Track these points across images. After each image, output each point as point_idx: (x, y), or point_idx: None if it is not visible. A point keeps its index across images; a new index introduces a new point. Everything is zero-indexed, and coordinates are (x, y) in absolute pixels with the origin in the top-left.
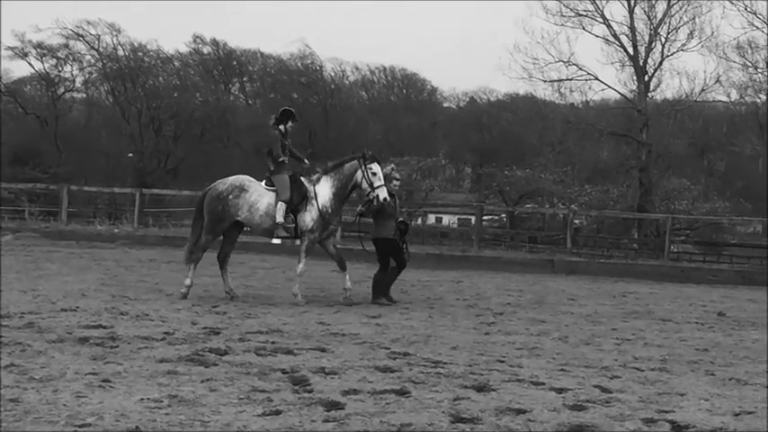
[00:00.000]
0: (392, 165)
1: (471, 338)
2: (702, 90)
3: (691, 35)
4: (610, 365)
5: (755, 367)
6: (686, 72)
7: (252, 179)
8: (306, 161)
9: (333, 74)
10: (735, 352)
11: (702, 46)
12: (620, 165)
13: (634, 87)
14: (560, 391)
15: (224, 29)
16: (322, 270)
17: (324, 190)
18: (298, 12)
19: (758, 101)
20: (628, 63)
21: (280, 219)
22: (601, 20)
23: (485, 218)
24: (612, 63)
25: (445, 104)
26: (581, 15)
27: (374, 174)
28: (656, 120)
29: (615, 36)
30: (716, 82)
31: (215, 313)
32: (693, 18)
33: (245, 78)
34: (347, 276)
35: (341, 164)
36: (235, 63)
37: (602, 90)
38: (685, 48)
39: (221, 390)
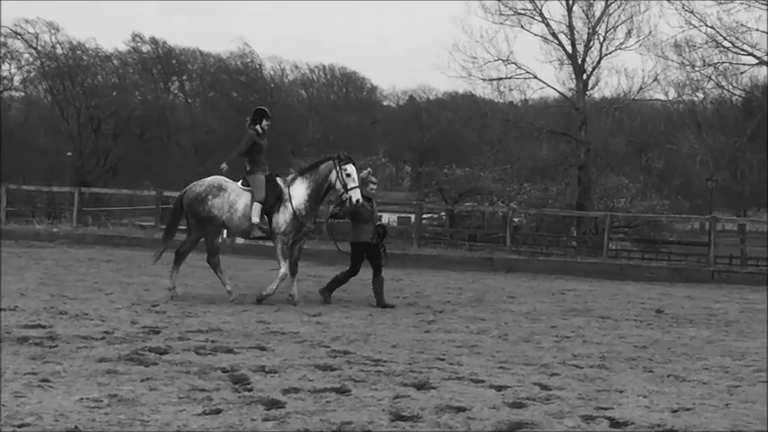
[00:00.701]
0: (368, 169)
1: (411, 336)
2: (640, 88)
3: (629, 34)
4: (549, 363)
5: (693, 364)
6: (624, 70)
7: (228, 179)
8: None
9: (272, 72)
10: (673, 349)
11: (640, 44)
12: (558, 163)
13: (573, 86)
14: (500, 388)
15: (163, 27)
16: (261, 268)
17: (298, 191)
18: (238, 12)
19: (695, 99)
20: (566, 61)
21: (255, 219)
22: (539, 18)
23: (424, 216)
24: (551, 61)
25: (385, 103)
26: (520, 14)
27: (348, 175)
28: (595, 118)
29: (554, 35)
30: (654, 80)
31: (155, 312)
32: (631, 17)
33: (184, 77)
34: (294, 282)
35: (316, 165)
36: (174, 62)
37: (541, 88)
38: (623, 46)
39: (161, 389)
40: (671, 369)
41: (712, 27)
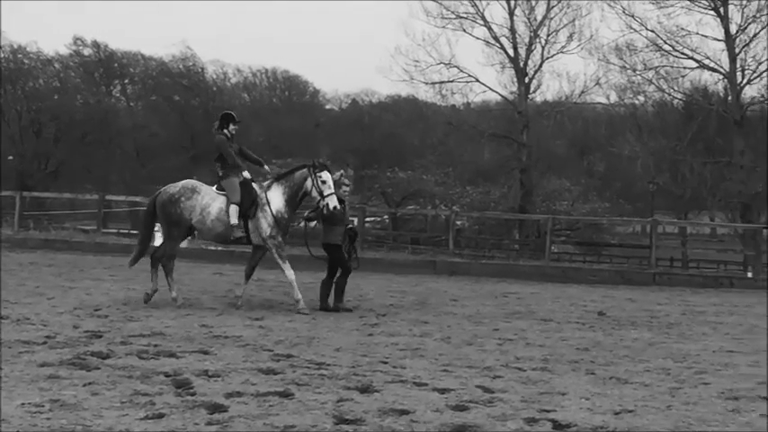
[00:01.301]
0: (341, 171)
1: (354, 340)
2: (582, 92)
3: (570, 37)
4: (492, 365)
5: (635, 366)
6: (566, 74)
7: (202, 183)
8: (265, 166)
9: (215, 76)
10: (615, 351)
11: (582, 48)
12: (501, 166)
13: (515, 89)
14: (443, 391)
15: (105, 31)
16: (203, 272)
17: (276, 196)
18: (181, 14)
19: (637, 102)
20: (508, 65)
21: (234, 220)
22: (481, 22)
23: (367, 219)
24: (493, 65)
25: (327, 106)
26: (462, 18)
27: (324, 182)
28: (537, 121)
29: (496, 38)
30: (595, 84)
31: (97, 317)
32: (573, 20)
33: (126, 80)
34: (245, 287)
35: (291, 171)
36: (116, 65)
37: (483, 92)
38: (565, 50)
39: (103, 393)
40: (613, 371)
41: (653, 31)
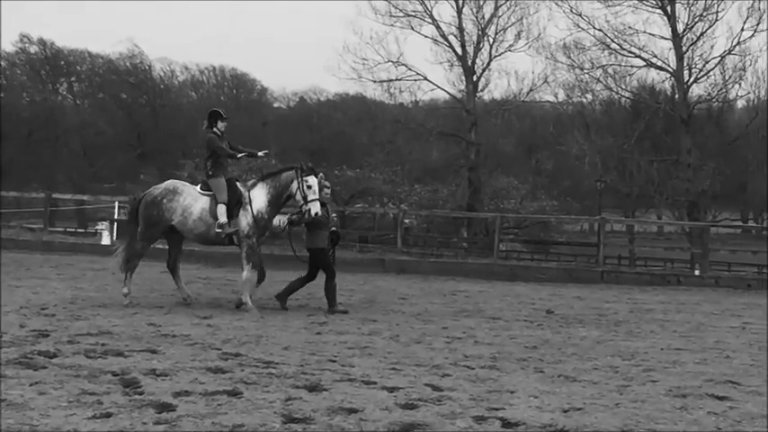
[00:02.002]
0: (320, 173)
1: (303, 338)
2: (530, 90)
3: (518, 36)
4: (441, 364)
5: (583, 364)
6: (515, 72)
7: (186, 183)
8: (259, 153)
9: (162, 74)
10: (563, 349)
11: (530, 47)
12: (449, 164)
13: (463, 87)
14: (392, 390)
15: (51, 28)
16: (151, 270)
17: (259, 196)
18: (127, 11)
19: (584, 101)
20: (456, 63)
21: (222, 219)
22: (430, 20)
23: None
24: (441, 63)
25: (275, 104)
26: (410, 16)
27: (309, 187)
28: (485, 119)
29: (444, 36)
30: (543, 82)
31: (44, 316)
32: (521, 19)
33: (73, 78)
34: (255, 289)
35: (278, 172)
36: (62, 63)
37: (432, 90)
38: (513, 48)
39: (50, 393)
40: (561, 369)
41: (600, 29)
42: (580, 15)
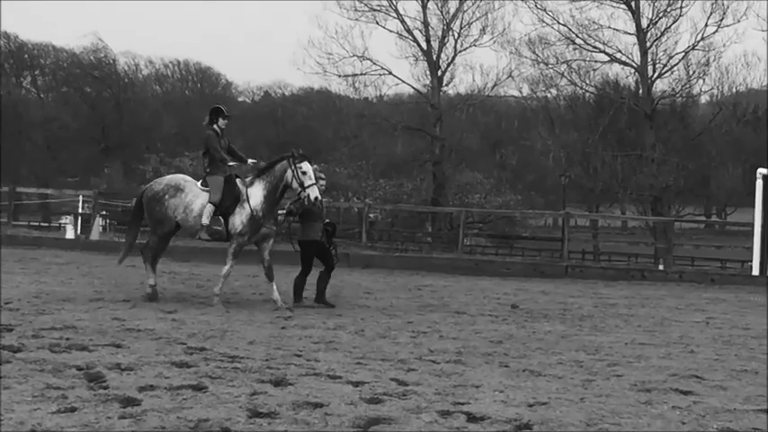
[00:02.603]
0: (315, 165)
1: (268, 333)
2: (495, 85)
3: (483, 31)
4: (406, 358)
5: (548, 358)
6: (479, 67)
7: (188, 178)
8: (248, 161)
9: (126, 68)
10: (528, 343)
11: (495, 41)
12: (414, 159)
13: (428, 82)
14: (357, 384)
15: (15, 21)
16: (115, 265)
17: (256, 192)
18: (91, 4)
19: (549, 96)
20: (421, 58)
21: (205, 220)
22: (395, 15)
23: (280, 212)
24: (406, 57)
25: (240, 99)
26: (375, 10)
27: (304, 173)
28: (450, 114)
29: (409, 31)
30: (508, 77)
31: (7, 310)
32: (486, 14)
33: (36, 72)
34: (274, 287)
35: (272, 165)
36: (26, 56)
37: (397, 84)
38: (478, 43)
39: (15, 387)
40: (526, 364)
41: (565, 25)
42: (545, 10)
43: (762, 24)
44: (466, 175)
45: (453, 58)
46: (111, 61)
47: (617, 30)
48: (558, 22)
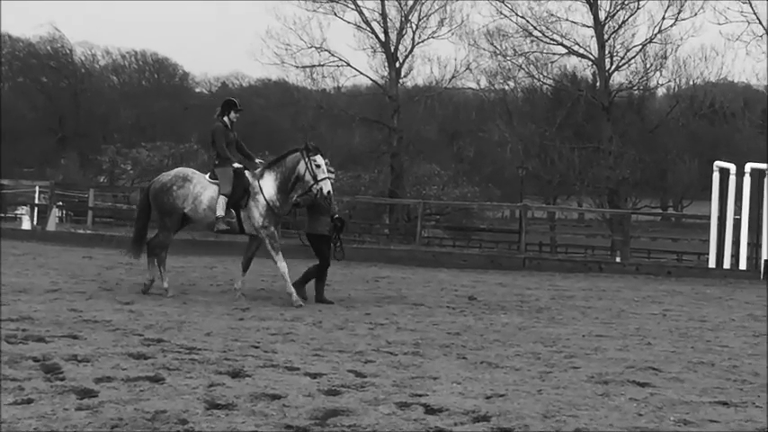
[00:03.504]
0: (324, 159)
1: (225, 324)
2: (453, 77)
3: (441, 23)
4: (363, 350)
5: (506, 350)
6: (437, 59)
7: (195, 171)
8: (256, 160)
9: (83, 58)
10: (485, 335)
11: (453, 33)
12: (371, 150)
13: (385, 73)
14: (315, 376)
15: None
16: (72, 255)
17: (268, 184)
18: None
19: (507, 88)
20: (379, 49)
21: (220, 212)
22: (353, 6)
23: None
24: (364, 49)
25: (197, 89)
26: (333, 1)
27: (318, 166)
28: (407, 106)
29: (367, 22)
30: (466, 69)
31: None
32: (444, 5)
33: None
34: (242, 277)
35: (283, 156)
36: None
37: (354, 76)
38: (436, 35)
39: None
40: (484, 355)
41: (523, 17)
42: (503, 2)
43: (718, 18)
44: (423, 167)
45: (411, 50)
46: (68, 51)
47: (575, 22)
48: (517, 14)
